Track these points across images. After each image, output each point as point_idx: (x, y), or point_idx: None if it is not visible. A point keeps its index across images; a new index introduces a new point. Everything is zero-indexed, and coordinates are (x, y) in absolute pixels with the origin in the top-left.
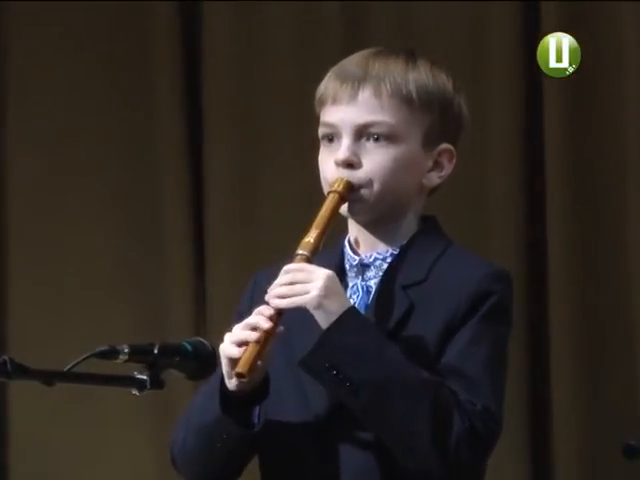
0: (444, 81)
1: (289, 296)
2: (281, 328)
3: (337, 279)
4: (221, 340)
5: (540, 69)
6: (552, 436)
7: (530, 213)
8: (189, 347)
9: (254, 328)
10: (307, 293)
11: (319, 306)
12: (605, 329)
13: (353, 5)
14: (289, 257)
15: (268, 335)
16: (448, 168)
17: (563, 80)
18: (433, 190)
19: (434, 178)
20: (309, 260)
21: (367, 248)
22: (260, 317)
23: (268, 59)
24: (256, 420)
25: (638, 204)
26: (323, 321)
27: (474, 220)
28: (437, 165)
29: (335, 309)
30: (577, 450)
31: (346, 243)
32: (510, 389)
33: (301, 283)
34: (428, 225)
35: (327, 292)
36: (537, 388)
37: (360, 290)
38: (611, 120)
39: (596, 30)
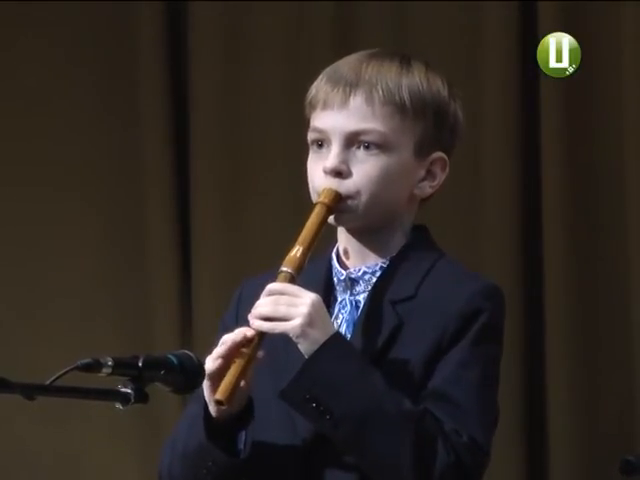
0: (439, 87)
1: (271, 320)
2: (261, 353)
3: (322, 303)
4: (208, 352)
5: (538, 69)
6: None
7: (526, 217)
8: (174, 360)
9: (234, 351)
10: (291, 319)
11: (302, 334)
12: (602, 342)
13: (345, 5)
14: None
15: (249, 360)
16: (441, 177)
17: (560, 81)
18: (425, 200)
19: (426, 188)
20: (293, 278)
21: (356, 260)
22: (240, 339)
23: (256, 65)
24: (242, 446)
25: (638, 207)
26: (305, 349)
27: (468, 226)
28: (429, 174)
29: (318, 337)
30: (573, 461)
31: (334, 255)
32: (505, 401)
33: (285, 306)
34: (418, 236)
35: (311, 320)
36: (533, 397)
37: (349, 305)
38: (609, 121)
39: (594, 30)
